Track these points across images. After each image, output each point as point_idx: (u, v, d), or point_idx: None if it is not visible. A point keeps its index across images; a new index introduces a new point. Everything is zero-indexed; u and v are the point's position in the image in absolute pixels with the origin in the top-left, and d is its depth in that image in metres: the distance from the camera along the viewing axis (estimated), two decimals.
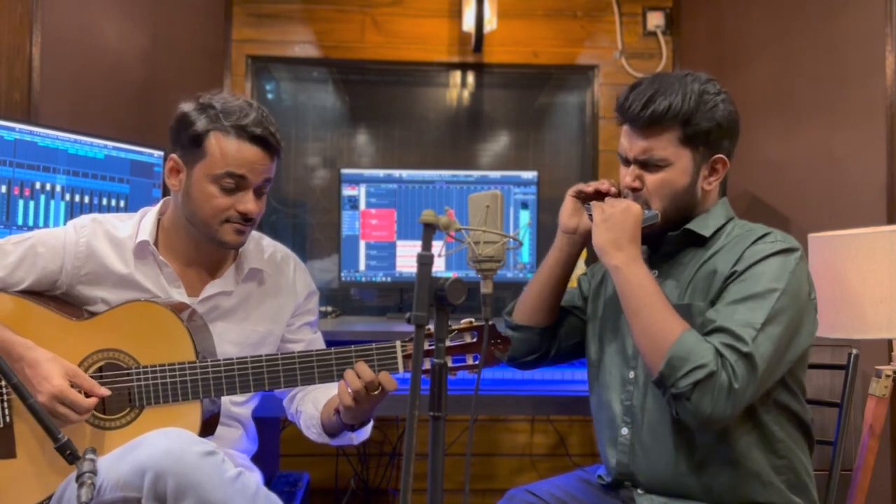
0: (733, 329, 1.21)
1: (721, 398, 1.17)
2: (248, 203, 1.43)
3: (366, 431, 1.52)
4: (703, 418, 1.19)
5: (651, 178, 1.36)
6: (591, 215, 1.40)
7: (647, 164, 1.36)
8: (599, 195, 1.42)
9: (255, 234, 1.56)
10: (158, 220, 1.52)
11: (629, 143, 1.38)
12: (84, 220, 1.50)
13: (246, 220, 1.44)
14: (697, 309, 1.31)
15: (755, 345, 1.19)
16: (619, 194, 1.42)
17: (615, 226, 1.32)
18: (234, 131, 1.40)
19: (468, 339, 1.37)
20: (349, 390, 1.36)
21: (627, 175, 1.39)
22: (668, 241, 1.40)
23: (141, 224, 1.50)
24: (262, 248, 1.60)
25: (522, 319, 1.53)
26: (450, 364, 1.36)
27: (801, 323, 1.27)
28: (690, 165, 1.35)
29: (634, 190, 1.38)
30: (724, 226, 1.39)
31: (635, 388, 1.38)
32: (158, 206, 1.55)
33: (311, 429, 1.54)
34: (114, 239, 1.48)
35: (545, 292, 1.50)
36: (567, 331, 1.57)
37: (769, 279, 1.25)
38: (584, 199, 1.45)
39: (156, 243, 1.49)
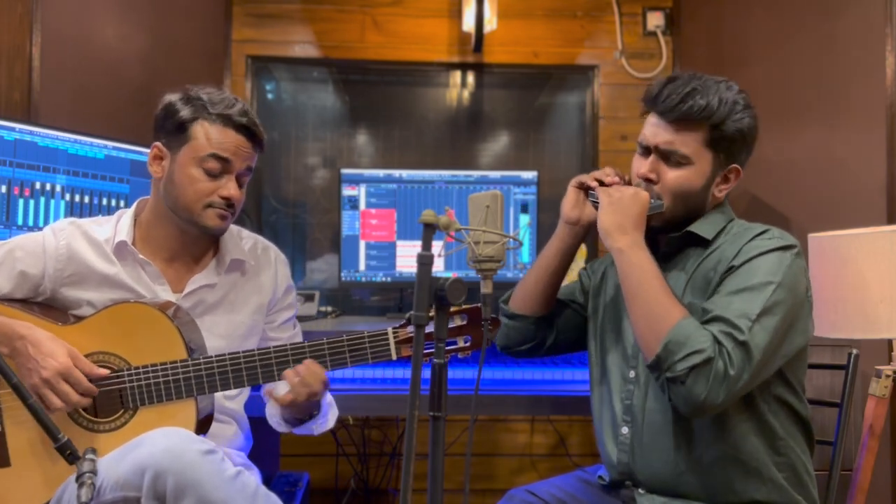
0: (730, 318, 1.21)
1: (715, 384, 1.17)
2: (231, 188, 1.46)
3: (327, 423, 1.54)
4: (696, 403, 1.19)
5: (669, 175, 1.36)
6: (594, 203, 1.39)
7: (669, 158, 1.36)
8: (602, 185, 1.42)
9: (232, 227, 1.57)
10: (135, 220, 1.53)
11: (655, 132, 1.37)
12: (62, 223, 1.50)
13: (228, 205, 1.46)
14: (695, 308, 1.31)
15: (751, 334, 1.20)
16: (626, 184, 1.41)
17: (621, 210, 1.33)
18: (220, 119, 1.44)
19: (459, 321, 1.39)
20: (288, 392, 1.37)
21: (644, 165, 1.38)
22: (668, 243, 1.40)
23: (118, 225, 1.51)
24: (242, 238, 1.61)
25: (518, 308, 1.54)
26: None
27: (797, 317, 1.28)
28: (709, 169, 1.36)
29: (648, 181, 1.37)
30: (724, 227, 1.40)
31: (636, 387, 1.38)
32: (134, 206, 1.55)
33: (273, 418, 1.56)
34: (93, 241, 1.48)
35: (543, 281, 1.51)
36: (565, 323, 1.57)
37: (765, 273, 1.25)
38: (587, 189, 1.45)
39: (134, 243, 1.49)
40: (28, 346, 1.33)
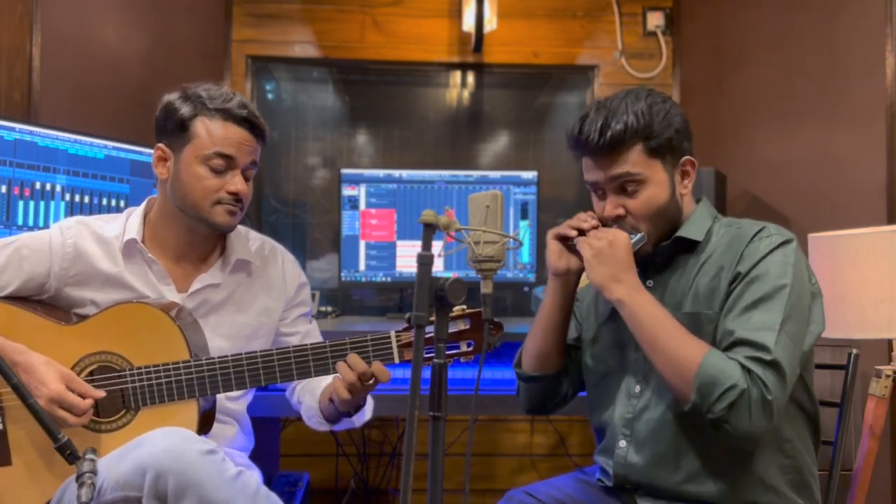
0: (753, 339, 1.20)
1: (757, 412, 1.16)
2: (238, 183, 1.45)
3: (366, 413, 1.54)
4: (745, 435, 1.18)
5: (633, 203, 1.33)
6: (577, 253, 1.36)
7: (625, 187, 1.33)
8: (581, 234, 1.38)
9: (240, 227, 1.57)
10: (145, 218, 1.53)
11: (598, 172, 1.35)
12: (69, 221, 1.49)
13: (236, 200, 1.46)
14: (707, 317, 1.29)
15: (777, 349, 1.18)
16: (599, 225, 1.37)
17: (608, 259, 1.30)
18: (220, 114, 1.44)
19: (461, 325, 1.38)
20: (344, 382, 1.37)
21: (607, 205, 1.35)
22: (659, 252, 1.38)
23: (128, 223, 1.50)
24: (249, 239, 1.61)
25: (534, 369, 1.48)
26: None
27: (811, 312, 1.28)
28: (664, 177, 1.34)
29: (619, 218, 1.35)
30: (711, 227, 1.39)
31: (639, 400, 1.36)
32: (143, 204, 1.55)
33: (312, 418, 1.55)
34: (101, 239, 1.48)
35: (550, 338, 1.46)
36: (576, 366, 1.53)
37: (775, 276, 1.25)
38: (566, 240, 1.40)
39: (143, 242, 1.49)
40: (20, 374, 1.31)
